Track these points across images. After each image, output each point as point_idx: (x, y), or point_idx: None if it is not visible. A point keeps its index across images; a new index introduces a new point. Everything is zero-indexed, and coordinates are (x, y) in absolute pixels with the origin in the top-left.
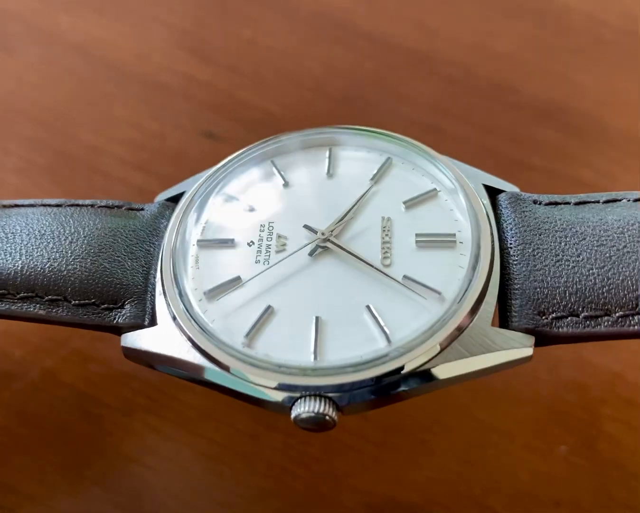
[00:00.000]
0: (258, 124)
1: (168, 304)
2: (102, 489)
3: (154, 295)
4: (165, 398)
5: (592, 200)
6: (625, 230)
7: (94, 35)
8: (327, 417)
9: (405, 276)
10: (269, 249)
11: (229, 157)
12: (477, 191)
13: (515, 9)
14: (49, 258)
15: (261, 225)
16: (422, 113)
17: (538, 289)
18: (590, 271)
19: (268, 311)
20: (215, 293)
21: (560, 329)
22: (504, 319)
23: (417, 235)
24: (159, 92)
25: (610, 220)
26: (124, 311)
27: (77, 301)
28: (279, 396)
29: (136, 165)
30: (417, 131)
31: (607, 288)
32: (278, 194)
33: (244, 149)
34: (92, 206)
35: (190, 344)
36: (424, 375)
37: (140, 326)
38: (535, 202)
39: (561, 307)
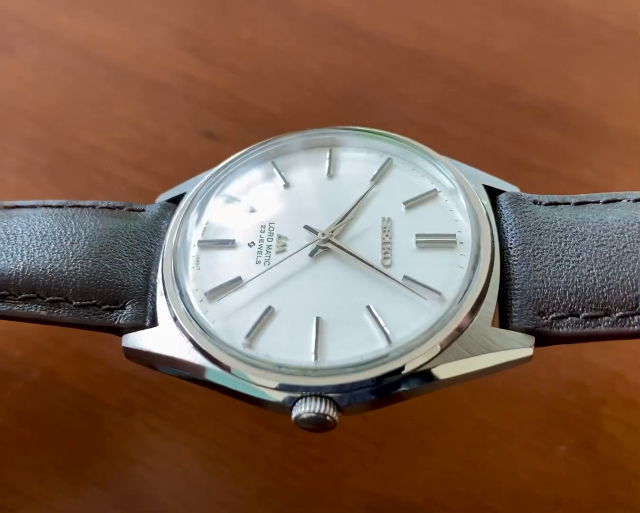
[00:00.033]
0: (258, 124)
1: (169, 305)
2: (102, 489)
3: (155, 296)
4: (165, 398)
5: (592, 200)
6: (625, 230)
7: (94, 35)
8: (327, 417)
9: (405, 277)
10: (269, 250)
11: (230, 158)
12: (477, 191)
13: (515, 9)
14: (50, 259)
15: (262, 226)
16: (422, 113)
17: (538, 290)
18: (590, 272)
19: (268, 312)
20: (216, 293)
21: (560, 329)
22: (504, 319)
23: (417, 236)
24: (159, 92)
25: (610, 220)
26: (125, 312)
27: (78, 302)
28: (279, 396)
29: (136, 165)
30: (417, 131)
31: (607, 288)
32: (279, 194)
33: (244, 150)
34: (93, 207)
35: (191, 344)
36: (424, 375)
37: (141, 327)
38: (535, 202)
39: (561, 307)
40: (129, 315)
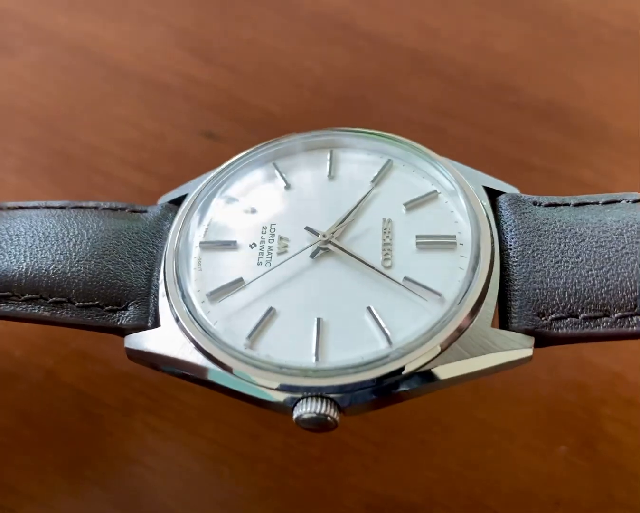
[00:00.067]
0: (258, 124)
1: (171, 306)
2: (102, 489)
3: (157, 297)
4: (165, 398)
5: (592, 201)
6: (624, 231)
7: (94, 35)
8: (328, 418)
9: (405, 278)
10: (270, 251)
11: (231, 160)
12: (477, 192)
13: (515, 9)
14: (53, 260)
15: (263, 227)
16: (422, 113)
17: (537, 291)
18: (589, 272)
19: (270, 313)
20: (217, 294)
21: (559, 330)
22: (503, 320)
23: (417, 237)
24: (158, 92)
25: (609, 221)
26: (127, 313)
27: (81, 303)
28: (281, 397)
29: (136, 165)
30: (417, 131)
31: (605, 289)
32: (280, 196)
33: (245, 152)
34: (95, 208)
35: (193, 345)
36: (424, 376)
37: (144, 328)
38: (535, 203)
39: (560, 308)
40: (132, 316)
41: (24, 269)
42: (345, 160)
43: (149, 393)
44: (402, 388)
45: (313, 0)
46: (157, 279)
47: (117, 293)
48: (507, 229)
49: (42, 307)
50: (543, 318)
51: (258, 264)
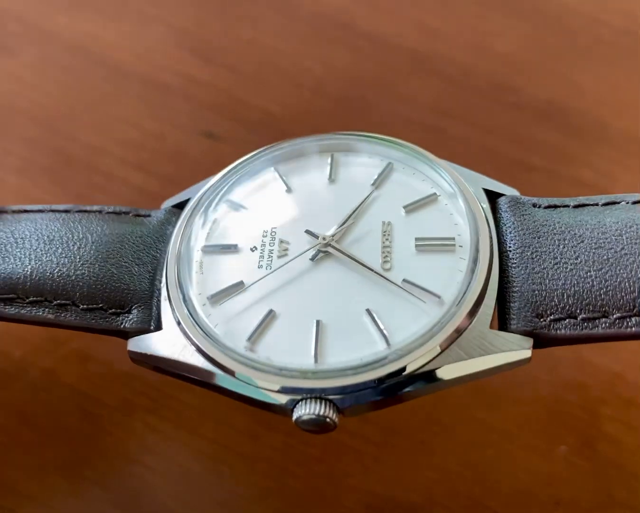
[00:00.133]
0: (258, 124)
1: (173, 310)
2: (102, 489)
3: (159, 300)
4: (165, 398)
5: (591, 203)
6: (623, 232)
7: (94, 35)
8: (327, 419)
9: (404, 280)
10: (271, 255)
11: (233, 164)
12: (476, 195)
13: (515, 9)
14: (57, 263)
15: (264, 231)
16: (422, 113)
17: (536, 292)
18: (588, 274)
19: (270, 315)
20: (218, 297)
21: (558, 331)
22: (502, 321)
23: (416, 239)
24: (158, 92)
25: (608, 223)
26: (130, 316)
27: (85, 306)
28: (283, 399)
29: (136, 165)
30: (417, 131)
31: (604, 290)
32: (281, 200)
33: (247, 156)
34: (99, 212)
35: (194, 348)
36: (423, 377)
37: (147, 331)
38: (534, 205)
39: (559, 309)
40: (135, 319)
41: (28, 272)
42: (346, 163)
43: (149, 393)
44: (401, 389)
45: (313, 0)
46: (160, 282)
47: (120, 296)
48: (506, 231)
49: (46, 310)
50: (542, 319)
51: (259, 268)
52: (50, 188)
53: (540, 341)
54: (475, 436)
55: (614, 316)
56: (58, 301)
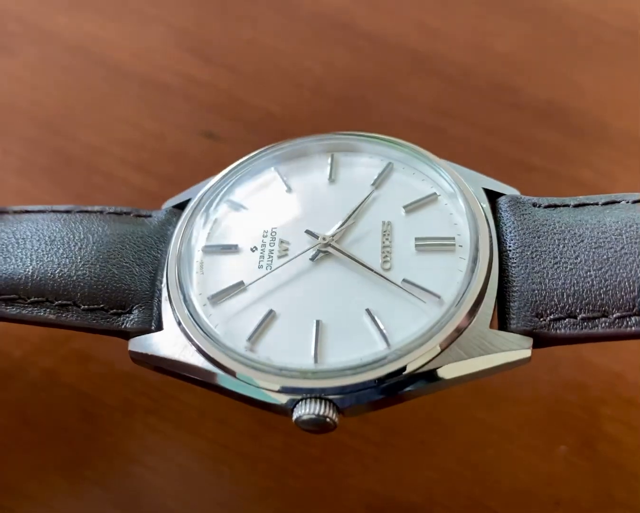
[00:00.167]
0: (258, 124)
1: (173, 310)
2: (102, 489)
3: (160, 301)
4: (165, 398)
5: (591, 202)
6: (623, 232)
7: (94, 35)
8: (327, 419)
9: (404, 280)
10: (271, 255)
11: (233, 165)
12: (476, 194)
13: (515, 9)
14: (59, 264)
15: (264, 231)
16: (422, 113)
17: (536, 291)
18: (588, 273)
19: (270, 315)
20: (218, 297)
21: (558, 330)
22: (502, 321)
23: (416, 239)
24: (158, 92)
25: (608, 222)
26: (131, 316)
27: (86, 306)
28: (283, 399)
29: (136, 165)
30: (417, 131)
31: (604, 289)
32: (281, 200)
33: (247, 157)
34: (100, 212)
35: (195, 348)
36: (423, 377)
37: (148, 331)
38: (534, 205)
39: (559, 309)
40: (136, 320)
41: (30, 273)
42: (346, 164)
43: (149, 393)
44: (402, 389)
45: (313, 0)
46: (161, 283)
47: (121, 296)
48: (506, 230)
49: (47, 310)
50: (541, 319)
51: (259, 268)
52: (50, 188)
53: (540, 340)
54: (475, 436)
55: (614, 315)
56: (59, 302)
